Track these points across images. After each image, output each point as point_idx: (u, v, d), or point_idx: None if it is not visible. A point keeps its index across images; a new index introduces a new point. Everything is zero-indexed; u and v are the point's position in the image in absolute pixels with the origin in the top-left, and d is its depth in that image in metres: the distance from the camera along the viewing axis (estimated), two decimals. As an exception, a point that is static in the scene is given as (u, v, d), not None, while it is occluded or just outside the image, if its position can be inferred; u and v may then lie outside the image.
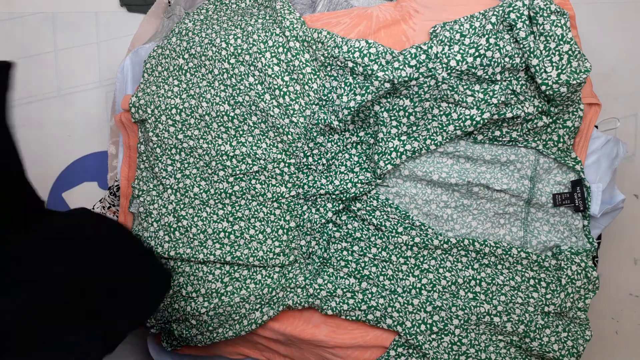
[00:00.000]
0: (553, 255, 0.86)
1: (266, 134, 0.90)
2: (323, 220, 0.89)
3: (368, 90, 0.85)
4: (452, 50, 0.82)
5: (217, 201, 0.91)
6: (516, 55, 0.81)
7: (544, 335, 0.87)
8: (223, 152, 0.90)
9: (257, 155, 0.90)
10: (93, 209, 1.12)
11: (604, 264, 1.10)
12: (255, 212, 0.91)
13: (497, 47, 0.81)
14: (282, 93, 0.88)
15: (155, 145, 0.93)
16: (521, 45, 0.80)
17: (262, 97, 0.89)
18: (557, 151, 0.87)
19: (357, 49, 0.85)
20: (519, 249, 0.86)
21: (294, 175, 0.90)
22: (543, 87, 0.80)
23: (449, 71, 0.82)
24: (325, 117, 0.88)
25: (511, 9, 0.81)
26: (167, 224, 0.93)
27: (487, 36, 0.81)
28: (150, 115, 0.93)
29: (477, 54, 0.81)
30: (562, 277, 0.86)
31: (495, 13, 0.82)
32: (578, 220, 0.88)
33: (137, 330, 1.10)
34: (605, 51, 1.10)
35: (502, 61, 0.81)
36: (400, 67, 0.83)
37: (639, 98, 1.11)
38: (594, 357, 1.12)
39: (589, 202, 0.87)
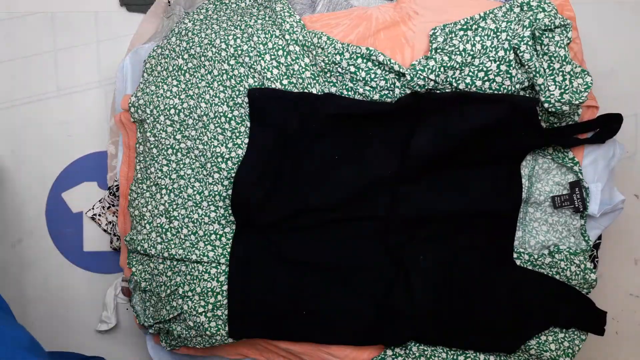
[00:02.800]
0: (549, 253, 0.86)
1: None
2: None
3: (368, 97, 0.85)
4: (463, 74, 0.82)
5: (210, 203, 0.91)
6: (526, 80, 0.82)
7: (542, 333, 0.87)
8: (218, 154, 0.90)
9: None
10: (93, 208, 1.13)
11: (604, 264, 1.10)
12: None
13: (509, 76, 0.81)
14: None
15: (152, 146, 0.93)
16: (527, 67, 0.80)
17: (260, 99, 0.89)
18: (554, 152, 0.87)
19: (359, 55, 0.85)
20: None
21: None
22: (546, 105, 0.81)
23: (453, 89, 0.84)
24: None
25: (513, 35, 0.81)
26: (159, 225, 0.92)
27: (497, 62, 0.81)
28: (149, 116, 0.93)
29: (486, 78, 0.82)
30: (562, 277, 0.86)
31: (504, 29, 0.82)
32: (576, 220, 0.88)
33: (136, 330, 1.11)
34: (605, 51, 1.10)
35: (513, 88, 0.82)
36: (405, 90, 0.84)
37: (639, 98, 1.11)
38: (593, 357, 1.12)
39: (588, 202, 0.87)
